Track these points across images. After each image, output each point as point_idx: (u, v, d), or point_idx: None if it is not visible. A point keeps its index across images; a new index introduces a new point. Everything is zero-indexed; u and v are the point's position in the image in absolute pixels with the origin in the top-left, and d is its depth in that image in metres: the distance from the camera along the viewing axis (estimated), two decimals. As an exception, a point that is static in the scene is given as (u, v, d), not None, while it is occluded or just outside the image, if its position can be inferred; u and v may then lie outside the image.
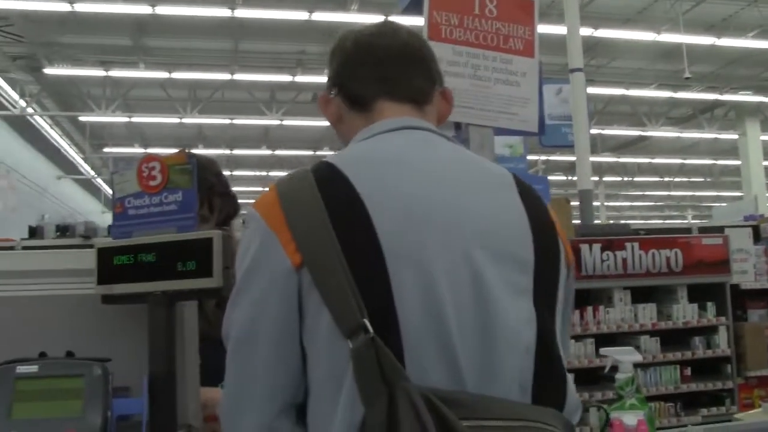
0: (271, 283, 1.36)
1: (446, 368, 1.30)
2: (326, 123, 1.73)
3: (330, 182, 1.40)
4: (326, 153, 19.74)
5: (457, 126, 2.77)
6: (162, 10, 13.04)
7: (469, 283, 1.35)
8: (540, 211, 1.51)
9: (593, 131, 17.13)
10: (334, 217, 1.34)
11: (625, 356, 2.36)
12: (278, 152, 23.32)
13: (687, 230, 7.81)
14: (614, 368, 2.37)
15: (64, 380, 1.56)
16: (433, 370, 1.29)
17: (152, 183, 1.70)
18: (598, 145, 21.66)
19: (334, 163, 1.45)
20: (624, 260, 6.32)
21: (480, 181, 1.49)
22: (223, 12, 13.04)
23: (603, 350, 2.51)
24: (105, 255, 1.71)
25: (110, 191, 1.84)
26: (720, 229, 6.84)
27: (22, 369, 1.57)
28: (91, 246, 1.75)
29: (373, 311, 1.27)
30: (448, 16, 2.75)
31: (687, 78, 14.47)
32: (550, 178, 15.95)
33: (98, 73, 16.07)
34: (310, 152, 22.89)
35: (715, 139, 21.58)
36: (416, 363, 1.28)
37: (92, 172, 25.30)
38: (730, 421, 3.24)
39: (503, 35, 2.86)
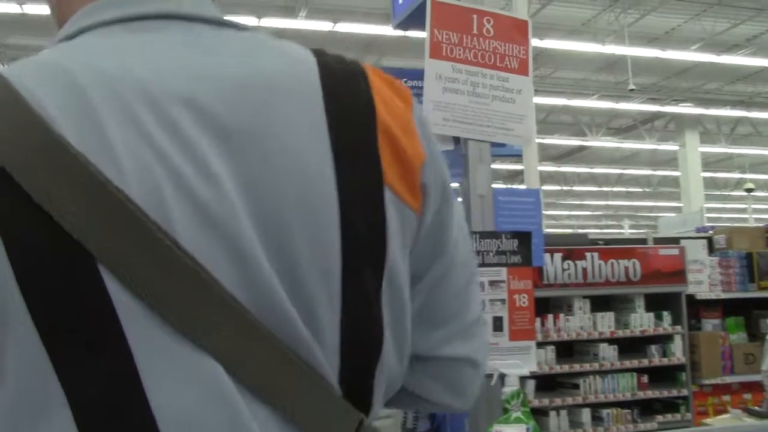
0: None
1: None
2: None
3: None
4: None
5: (456, 140, 2.90)
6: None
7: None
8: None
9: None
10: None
11: (511, 369, 2.30)
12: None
13: (642, 241, 7.97)
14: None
15: None
16: None
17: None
18: (539, 154, 21.89)
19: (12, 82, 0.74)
20: (584, 269, 6.43)
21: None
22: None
23: (490, 363, 2.38)
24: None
25: None
26: (675, 240, 7.00)
27: None
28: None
29: None
30: (448, 35, 2.83)
31: (631, 90, 14.78)
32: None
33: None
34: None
35: (654, 150, 21.99)
36: None
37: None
38: (688, 426, 3.34)
39: (500, 54, 2.95)
